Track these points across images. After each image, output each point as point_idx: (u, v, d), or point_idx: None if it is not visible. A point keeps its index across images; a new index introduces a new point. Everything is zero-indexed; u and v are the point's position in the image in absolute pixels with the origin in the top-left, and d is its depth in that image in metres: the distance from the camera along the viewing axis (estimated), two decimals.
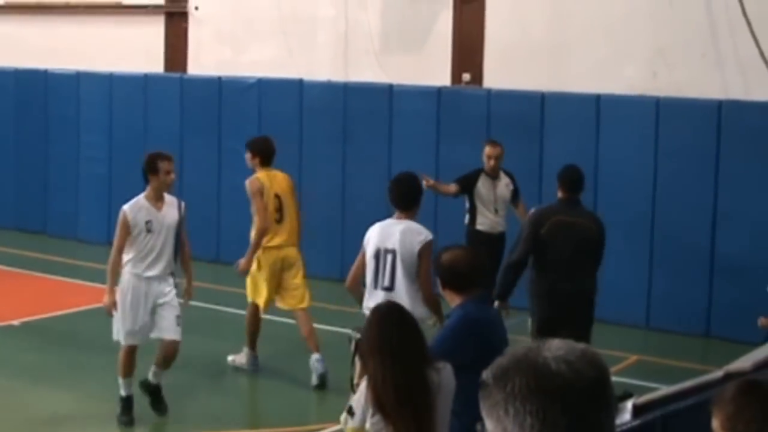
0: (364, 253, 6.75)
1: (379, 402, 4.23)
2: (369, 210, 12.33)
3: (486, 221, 9.76)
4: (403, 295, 6.43)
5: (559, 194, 7.81)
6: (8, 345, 9.79)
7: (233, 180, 13.40)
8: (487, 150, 9.82)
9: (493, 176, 9.80)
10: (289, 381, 8.99)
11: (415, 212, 6.83)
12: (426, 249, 6.57)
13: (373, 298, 6.46)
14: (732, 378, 4.07)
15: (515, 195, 9.92)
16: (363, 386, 4.37)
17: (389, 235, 6.65)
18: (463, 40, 12.33)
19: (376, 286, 6.64)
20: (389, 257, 6.60)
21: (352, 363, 4.93)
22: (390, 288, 6.59)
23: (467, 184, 9.74)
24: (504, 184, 9.84)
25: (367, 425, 4.32)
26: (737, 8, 10.46)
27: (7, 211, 15.46)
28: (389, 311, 4.52)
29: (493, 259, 8.88)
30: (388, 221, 6.80)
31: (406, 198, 6.81)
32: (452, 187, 9.81)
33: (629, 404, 4.37)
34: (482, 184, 9.72)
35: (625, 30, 11.32)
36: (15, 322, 10.39)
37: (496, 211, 9.77)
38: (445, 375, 4.42)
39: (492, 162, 9.74)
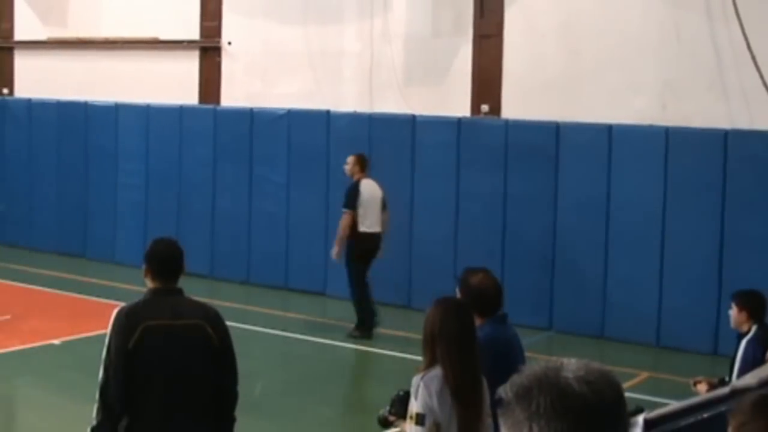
0: None
1: (455, 386, 4.20)
2: (392, 235, 12.66)
3: None
4: None
5: None
6: (49, 363, 9.91)
7: (263, 205, 13.52)
8: None
9: None
10: (318, 401, 9.04)
11: None
12: None
13: None
14: (738, 394, 4.11)
15: None
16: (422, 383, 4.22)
17: None
18: (482, 73, 12.43)
19: None
20: None
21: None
22: None
23: None
24: None
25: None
26: (742, 42, 10.59)
27: (49, 236, 15.59)
28: (455, 304, 4.53)
29: None
30: None
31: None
32: None
33: (640, 419, 4.36)
34: None
35: (636, 63, 11.41)
36: (55, 341, 10.49)
37: None
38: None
39: None
